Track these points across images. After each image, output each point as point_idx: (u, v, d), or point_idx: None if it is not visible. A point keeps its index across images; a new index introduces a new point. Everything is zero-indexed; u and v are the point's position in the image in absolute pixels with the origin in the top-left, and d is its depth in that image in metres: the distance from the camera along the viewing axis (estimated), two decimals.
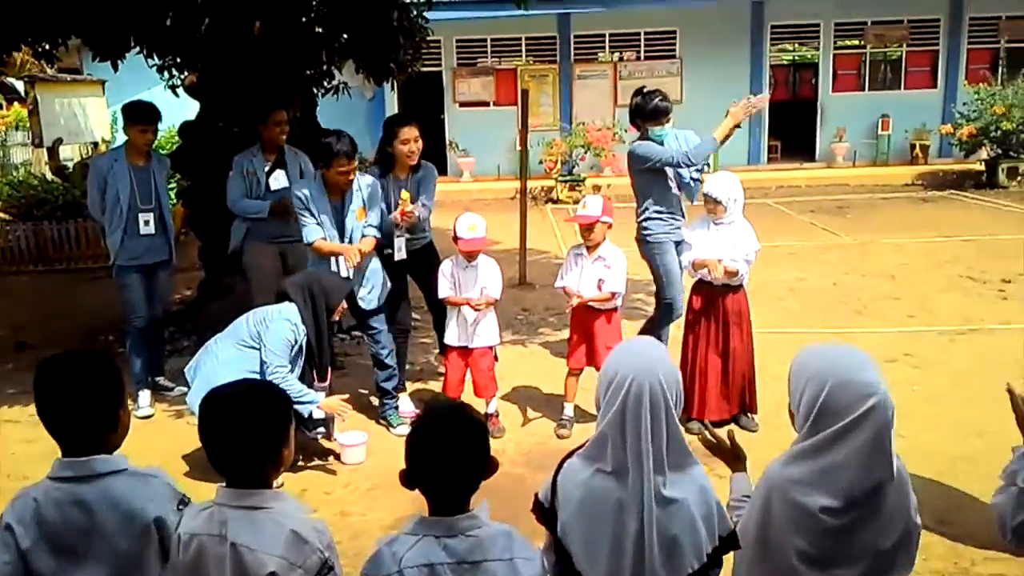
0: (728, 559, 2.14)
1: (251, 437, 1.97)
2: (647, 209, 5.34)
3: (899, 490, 2.03)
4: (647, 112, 5.28)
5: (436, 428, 1.96)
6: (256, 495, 1.97)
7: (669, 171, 5.26)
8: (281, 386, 4.04)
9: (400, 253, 5.18)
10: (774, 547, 2.08)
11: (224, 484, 2.00)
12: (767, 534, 2.09)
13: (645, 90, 5.45)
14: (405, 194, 5.04)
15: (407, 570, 1.85)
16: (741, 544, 2.14)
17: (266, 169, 5.71)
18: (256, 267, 5.73)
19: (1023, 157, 14.82)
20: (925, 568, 3.48)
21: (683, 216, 5.40)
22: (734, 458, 2.42)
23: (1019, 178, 14.72)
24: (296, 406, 4.25)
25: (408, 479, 1.95)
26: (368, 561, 1.95)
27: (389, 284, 5.25)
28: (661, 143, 5.26)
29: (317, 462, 4.79)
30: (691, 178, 5.40)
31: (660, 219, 5.30)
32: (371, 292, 5.08)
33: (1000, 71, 16.09)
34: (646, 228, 5.35)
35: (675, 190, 5.34)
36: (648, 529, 1.98)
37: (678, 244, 5.28)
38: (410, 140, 5.10)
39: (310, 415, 4.48)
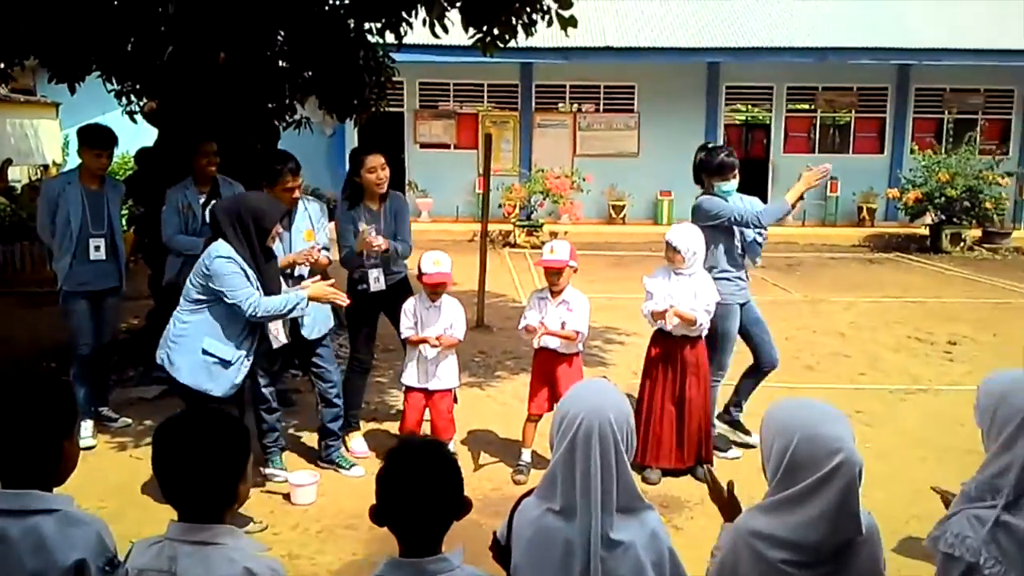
0: None
1: (207, 469, 1.88)
2: (713, 268, 5.14)
3: (870, 547, 2.02)
4: (713, 167, 5.12)
5: (410, 464, 1.90)
6: (208, 530, 1.87)
7: (736, 229, 5.16)
8: (263, 309, 3.93)
9: (378, 284, 5.04)
10: None
11: (175, 519, 1.91)
12: None
13: (710, 145, 5.37)
14: (364, 226, 5.00)
15: None
16: None
17: (200, 202, 5.62)
18: None
19: (965, 224, 15.35)
20: None
21: (745, 277, 5.28)
22: (729, 509, 2.40)
23: (962, 244, 15.22)
24: (289, 316, 4.11)
25: (378, 516, 1.89)
26: None
27: (332, 320, 5.17)
28: (725, 199, 5.13)
29: (266, 500, 4.64)
30: (755, 239, 5.28)
31: (725, 280, 5.13)
32: (313, 319, 4.83)
33: (945, 140, 16.70)
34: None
35: (739, 249, 5.21)
36: (594, 571, 1.96)
37: (743, 306, 5.23)
38: (376, 168, 5.09)
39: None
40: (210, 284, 3.97)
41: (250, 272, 4.00)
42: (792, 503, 1.97)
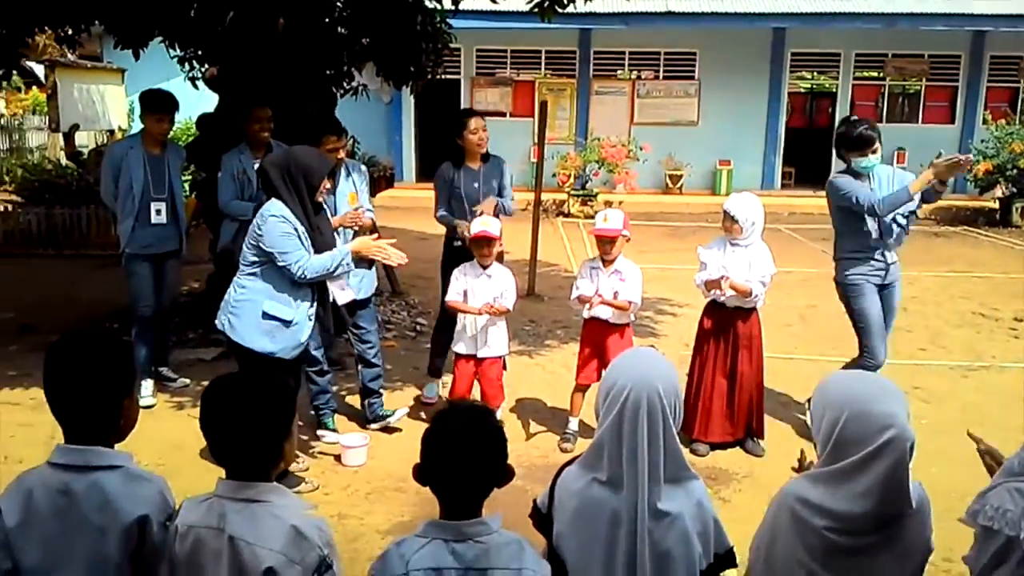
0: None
1: (253, 428, 1.93)
2: (843, 248, 5.06)
3: (920, 521, 2.00)
4: (851, 140, 4.89)
5: (455, 427, 1.92)
6: (255, 488, 1.92)
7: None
8: (312, 271, 3.94)
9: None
10: (780, 564, 2.05)
11: (223, 476, 1.96)
12: (772, 550, 2.07)
13: (851, 118, 5.16)
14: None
15: (413, 572, 1.83)
16: (749, 562, 2.12)
17: (255, 167, 5.69)
18: None
19: None
20: None
21: (884, 258, 5.01)
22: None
23: None
24: (338, 273, 4.08)
25: (421, 475, 1.92)
26: (376, 560, 1.92)
27: (375, 283, 5.25)
28: (868, 176, 4.92)
29: (317, 461, 4.74)
30: (895, 221, 4.94)
31: (855, 259, 5.01)
32: (362, 280, 4.93)
33: (1019, 110, 16.05)
34: (841, 269, 5.08)
35: (874, 230, 4.96)
36: (640, 541, 1.96)
37: (883, 288, 5.04)
38: (479, 130, 5.42)
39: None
40: (261, 244, 3.97)
41: (302, 230, 3.99)
42: (841, 476, 1.95)
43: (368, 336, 5.13)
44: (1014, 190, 14.82)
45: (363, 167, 5.41)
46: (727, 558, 2.10)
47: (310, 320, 4.17)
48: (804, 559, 2.00)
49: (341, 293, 4.35)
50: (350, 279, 4.77)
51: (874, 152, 4.88)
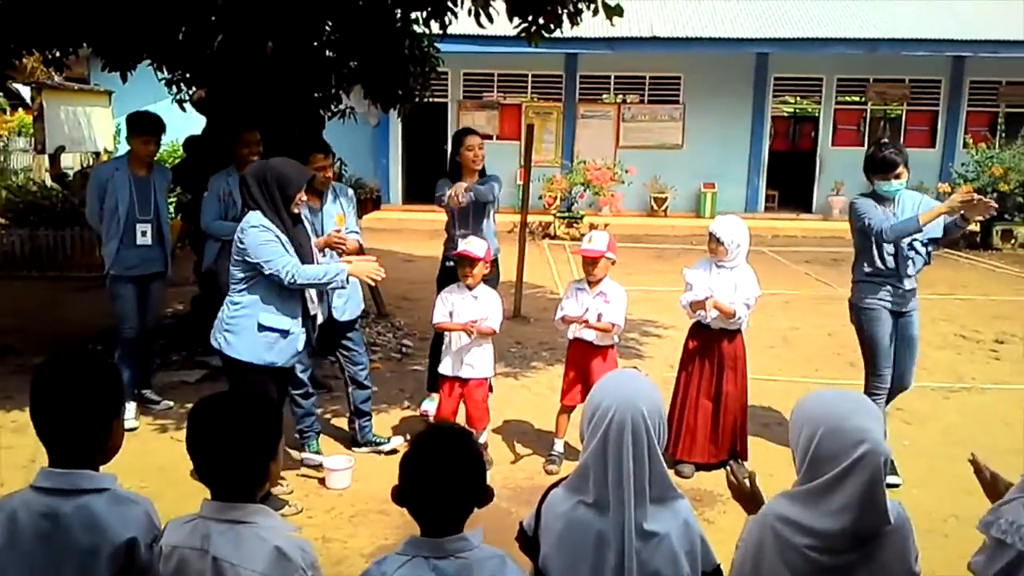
0: None
1: (239, 448, 1.93)
2: (860, 271, 5.01)
3: (900, 539, 2.01)
4: (876, 163, 4.85)
5: (433, 449, 1.93)
6: (240, 509, 1.92)
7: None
8: (303, 276, 3.93)
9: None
10: None
11: (208, 498, 1.96)
12: (758, 570, 2.08)
13: (882, 141, 5.08)
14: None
15: None
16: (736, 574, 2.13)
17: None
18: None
19: (1018, 220, 14.96)
20: None
21: (902, 284, 4.90)
22: (751, 500, 2.40)
23: (1013, 240, 14.84)
24: (331, 286, 4.15)
25: (400, 497, 1.92)
26: None
27: (362, 305, 5.26)
28: (893, 201, 4.86)
29: (301, 484, 4.72)
30: (913, 249, 4.88)
31: (871, 283, 4.95)
32: (346, 302, 4.98)
33: (999, 134, 16.28)
34: (857, 292, 5.03)
35: (889, 256, 4.90)
36: (628, 563, 1.97)
37: (899, 316, 4.95)
38: (474, 147, 5.61)
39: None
40: (247, 257, 3.97)
41: (283, 238, 4.00)
42: (818, 493, 1.97)
43: (358, 358, 5.14)
44: (994, 213, 14.95)
45: (350, 190, 5.45)
46: (715, 575, 2.12)
47: (304, 328, 4.18)
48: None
49: (312, 305, 4.35)
50: (333, 299, 4.81)
51: (897, 177, 4.81)
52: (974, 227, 15.03)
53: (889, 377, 5.00)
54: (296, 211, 4.14)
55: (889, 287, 4.92)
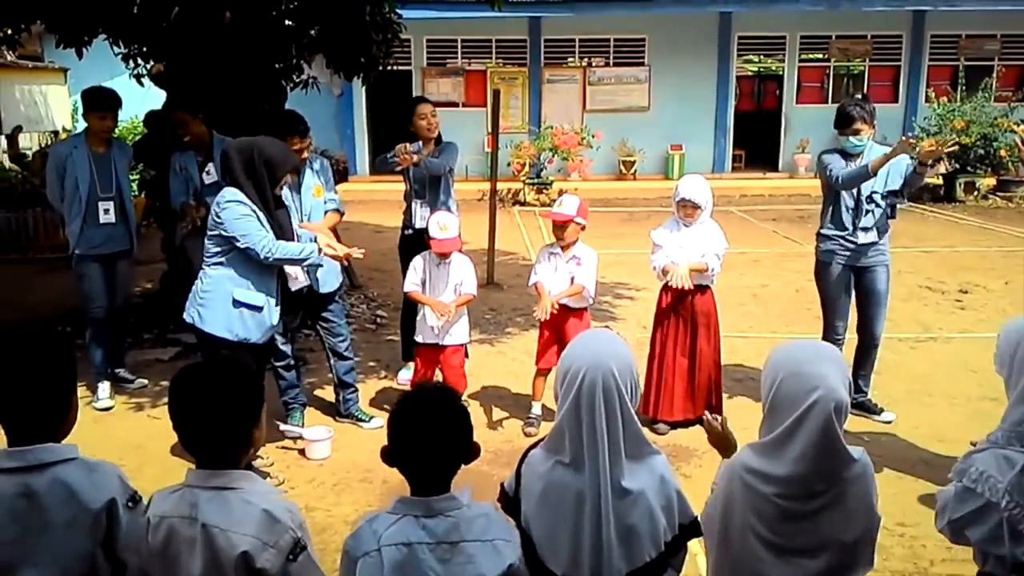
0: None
1: (223, 415, 1.94)
2: (821, 223, 5.11)
3: (863, 484, 2.06)
4: (837, 118, 4.86)
5: (421, 407, 1.95)
6: (226, 475, 1.94)
7: (844, 192, 4.93)
8: (280, 252, 3.92)
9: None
10: (735, 532, 2.12)
11: (194, 466, 1.97)
12: (729, 519, 2.13)
13: (857, 95, 5.15)
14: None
15: (385, 548, 1.86)
16: (708, 529, 2.18)
17: (197, 163, 5.65)
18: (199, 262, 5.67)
19: (980, 172, 15.19)
20: (885, 568, 3.53)
21: (855, 237, 4.94)
22: (725, 444, 2.45)
23: (976, 193, 15.08)
24: (307, 264, 4.14)
25: (389, 457, 1.95)
26: (350, 536, 1.95)
27: (342, 276, 5.24)
28: (857, 155, 4.84)
29: (281, 456, 4.73)
30: (873, 202, 4.89)
31: (828, 236, 5.04)
32: (326, 273, 4.90)
33: (960, 87, 16.48)
34: (818, 243, 5.13)
35: (848, 209, 4.95)
36: (605, 519, 2.00)
37: (862, 271, 5.00)
38: (427, 115, 5.55)
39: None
40: (222, 232, 3.93)
41: (261, 215, 3.98)
42: (778, 442, 2.02)
43: (339, 329, 5.12)
44: (957, 166, 15.20)
45: (324, 160, 5.33)
46: (692, 528, 2.15)
47: (278, 302, 4.16)
48: (756, 525, 2.06)
49: (294, 281, 4.34)
50: (316, 274, 4.79)
51: (855, 133, 4.80)
52: (936, 180, 15.41)
53: (841, 329, 5.11)
54: (279, 193, 4.12)
55: (843, 240, 5.00)
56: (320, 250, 4.11)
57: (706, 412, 2.61)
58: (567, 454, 2.04)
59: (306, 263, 4.12)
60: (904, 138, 4.77)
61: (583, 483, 2.01)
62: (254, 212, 3.94)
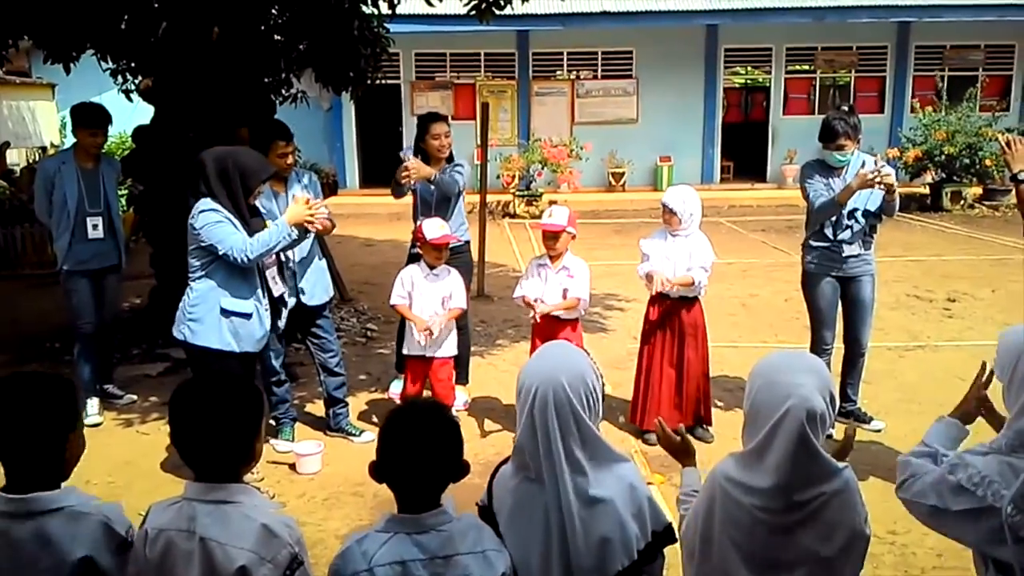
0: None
1: (226, 429, 1.94)
2: (806, 234, 5.14)
3: (845, 499, 2.01)
4: (821, 130, 4.89)
5: (412, 423, 1.95)
6: (225, 489, 1.93)
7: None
8: (256, 248, 3.92)
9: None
10: (715, 544, 2.10)
11: (184, 481, 1.97)
12: (709, 531, 2.11)
13: (843, 107, 5.12)
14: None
15: (378, 568, 1.84)
16: (686, 540, 2.17)
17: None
18: None
19: (965, 182, 15.30)
20: None
21: (840, 249, 4.97)
22: (684, 453, 2.45)
23: (962, 202, 15.19)
24: (282, 246, 4.11)
25: (377, 472, 1.94)
26: (337, 557, 1.92)
27: (332, 290, 5.21)
28: (840, 168, 4.91)
29: (272, 471, 4.71)
30: (852, 219, 4.90)
31: (812, 247, 5.07)
32: (314, 286, 4.93)
33: (944, 98, 16.61)
34: (803, 254, 5.15)
35: (828, 223, 4.97)
36: (571, 530, 1.99)
37: (849, 281, 5.02)
38: (440, 135, 5.37)
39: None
40: (201, 243, 3.96)
41: (237, 222, 3.99)
42: (757, 452, 2.00)
43: (329, 345, 5.09)
44: (943, 175, 15.32)
45: (313, 175, 5.31)
46: (666, 534, 2.12)
47: (267, 309, 4.15)
48: (736, 536, 2.04)
49: (275, 286, 4.34)
50: (300, 283, 4.78)
51: (839, 148, 4.82)
52: (923, 189, 15.52)
53: (829, 339, 5.13)
54: (253, 202, 4.12)
55: (828, 252, 5.03)
56: (288, 226, 4.07)
57: (657, 419, 2.60)
58: (531, 470, 2.05)
59: (281, 245, 4.09)
60: (861, 173, 4.76)
61: (548, 497, 2.01)
62: (228, 219, 3.97)
